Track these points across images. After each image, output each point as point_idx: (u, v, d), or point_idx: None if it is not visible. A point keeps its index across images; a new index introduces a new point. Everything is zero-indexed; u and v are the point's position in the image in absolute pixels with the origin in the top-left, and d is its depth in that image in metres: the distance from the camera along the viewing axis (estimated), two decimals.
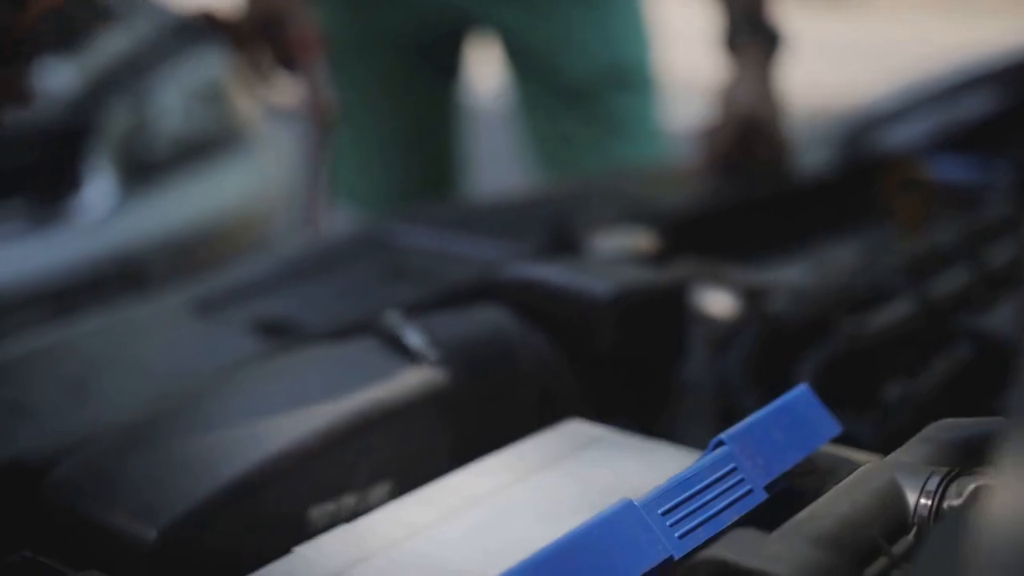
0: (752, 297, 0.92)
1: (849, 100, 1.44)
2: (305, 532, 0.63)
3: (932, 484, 0.47)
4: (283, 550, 0.60)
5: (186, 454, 0.67)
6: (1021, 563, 0.28)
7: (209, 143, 2.37)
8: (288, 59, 1.32)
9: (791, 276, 0.97)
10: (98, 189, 2.19)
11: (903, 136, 1.31)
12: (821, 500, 0.48)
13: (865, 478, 0.49)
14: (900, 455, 0.51)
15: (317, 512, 0.65)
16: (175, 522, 0.62)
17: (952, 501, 0.47)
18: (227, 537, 0.63)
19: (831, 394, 0.85)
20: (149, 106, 2.32)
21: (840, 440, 0.61)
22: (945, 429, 0.53)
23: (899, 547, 0.46)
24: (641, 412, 0.85)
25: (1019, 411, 0.32)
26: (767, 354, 0.87)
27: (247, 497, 0.64)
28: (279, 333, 0.86)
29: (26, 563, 0.54)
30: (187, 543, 0.62)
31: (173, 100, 2.35)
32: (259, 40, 1.31)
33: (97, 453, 0.69)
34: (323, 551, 0.60)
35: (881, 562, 0.44)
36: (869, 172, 1.19)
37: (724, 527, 0.51)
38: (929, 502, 0.47)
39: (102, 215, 2.17)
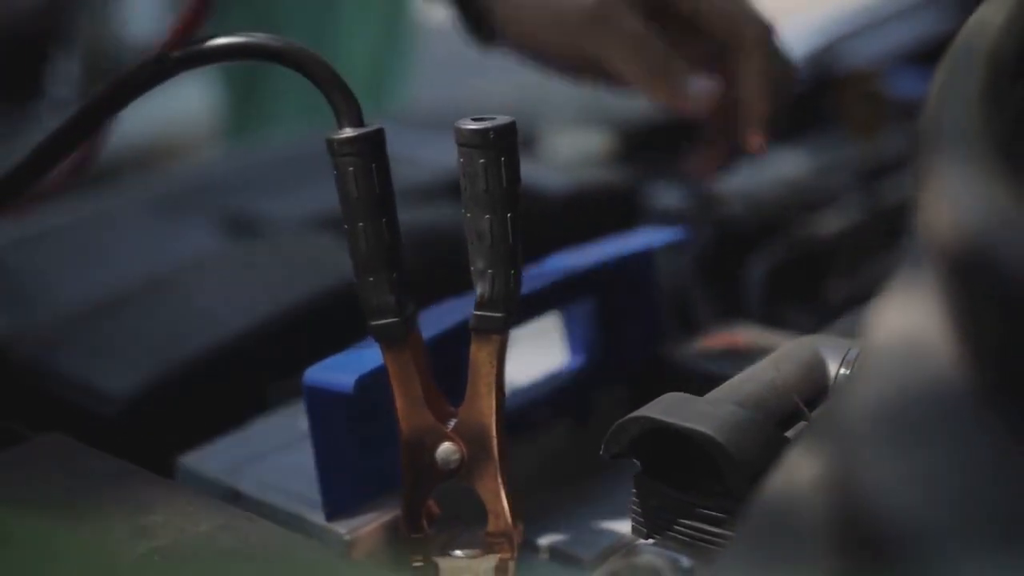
0: (705, 199, 0.94)
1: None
2: (263, 406, 0.65)
3: (852, 355, 0.50)
4: (240, 422, 0.63)
5: (148, 330, 0.69)
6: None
7: None
8: None
9: (744, 179, 0.99)
10: (63, 95, 2.17)
11: (860, 52, 1.33)
12: (748, 369, 0.51)
13: (791, 351, 0.51)
14: (826, 331, 0.54)
15: (276, 388, 0.67)
16: (137, 394, 0.64)
17: None
18: (186, 409, 0.65)
19: (780, 293, 0.88)
20: (116, 12, 2.30)
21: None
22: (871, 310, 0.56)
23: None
24: None
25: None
26: (719, 255, 0.90)
27: (207, 371, 0.66)
28: (245, 228, 0.88)
29: None
30: (147, 414, 0.64)
31: (141, 6, 2.33)
32: None
33: (60, 329, 0.71)
34: (278, 422, 0.63)
35: (801, 425, 0.47)
36: (825, 86, 1.20)
37: None
38: (848, 371, 0.50)
39: None
